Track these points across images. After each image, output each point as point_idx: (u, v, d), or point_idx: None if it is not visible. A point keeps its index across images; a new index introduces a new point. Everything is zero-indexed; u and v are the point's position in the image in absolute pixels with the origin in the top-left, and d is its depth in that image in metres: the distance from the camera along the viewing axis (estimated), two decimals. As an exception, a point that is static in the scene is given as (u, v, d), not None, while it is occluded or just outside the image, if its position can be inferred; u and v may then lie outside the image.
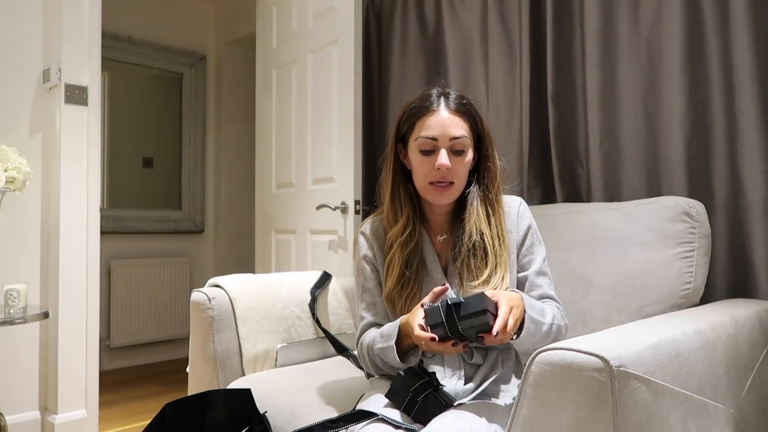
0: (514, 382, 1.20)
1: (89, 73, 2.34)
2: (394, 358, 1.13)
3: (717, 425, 1.03)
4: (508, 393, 1.17)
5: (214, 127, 4.03)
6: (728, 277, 1.53)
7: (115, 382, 3.22)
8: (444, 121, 1.17)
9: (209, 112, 4.01)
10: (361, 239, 1.31)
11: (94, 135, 2.36)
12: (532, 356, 0.87)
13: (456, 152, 1.18)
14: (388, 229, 1.26)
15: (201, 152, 3.95)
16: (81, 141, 2.31)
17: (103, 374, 3.07)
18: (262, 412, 1.32)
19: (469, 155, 1.20)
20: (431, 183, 1.18)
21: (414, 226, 1.23)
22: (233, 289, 1.64)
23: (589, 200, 1.82)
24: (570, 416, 0.81)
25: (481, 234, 1.18)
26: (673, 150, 1.63)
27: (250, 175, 3.68)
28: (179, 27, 3.88)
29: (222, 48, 3.99)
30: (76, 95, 2.29)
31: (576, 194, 1.87)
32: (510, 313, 1.01)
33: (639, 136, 1.71)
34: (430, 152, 1.18)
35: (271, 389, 1.42)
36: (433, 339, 1.00)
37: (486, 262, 1.17)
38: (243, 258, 3.95)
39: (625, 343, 0.87)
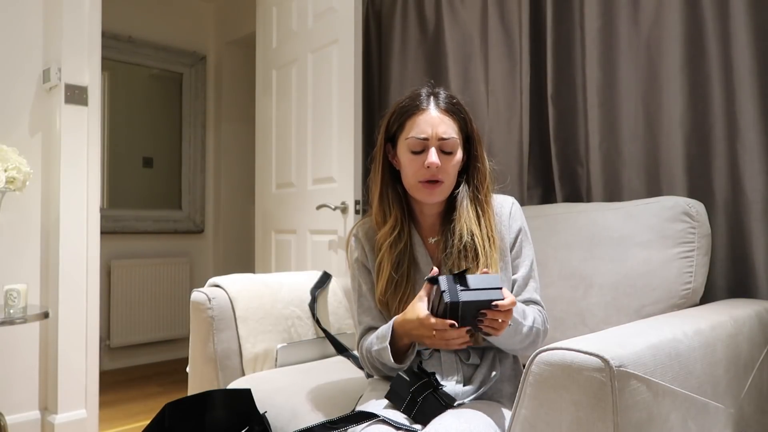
0: (513, 381, 1.20)
1: (89, 73, 2.34)
2: (389, 359, 1.12)
3: (717, 425, 1.03)
4: (507, 393, 1.17)
5: (214, 127, 4.03)
6: (728, 277, 1.53)
7: (115, 382, 3.22)
8: (434, 121, 1.16)
9: (209, 112, 4.01)
10: (353, 242, 1.30)
11: (94, 135, 2.36)
12: (532, 356, 0.87)
13: (445, 152, 1.17)
14: (377, 231, 1.25)
15: (201, 152, 3.95)
16: (81, 141, 2.31)
17: (103, 374, 3.07)
18: (261, 412, 1.32)
19: (459, 155, 1.19)
20: (421, 181, 1.17)
21: (402, 226, 1.22)
22: (233, 289, 1.64)
23: (589, 200, 1.82)
24: (570, 416, 0.81)
25: (472, 234, 1.17)
26: (673, 150, 1.63)
27: (250, 175, 3.68)
28: (179, 27, 3.88)
29: (222, 48, 3.99)
30: (76, 95, 2.29)
31: (576, 194, 1.87)
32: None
33: (639, 136, 1.71)
34: (419, 152, 1.17)
35: (271, 389, 1.42)
36: (449, 324, 1.00)
37: (477, 263, 1.16)
38: (243, 258, 3.95)
39: (625, 343, 0.87)
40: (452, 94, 1.22)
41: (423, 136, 1.16)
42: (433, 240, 1.25)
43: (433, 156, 1.14)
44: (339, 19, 2.36)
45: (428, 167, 1.15)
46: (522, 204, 1.96)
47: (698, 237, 1.41)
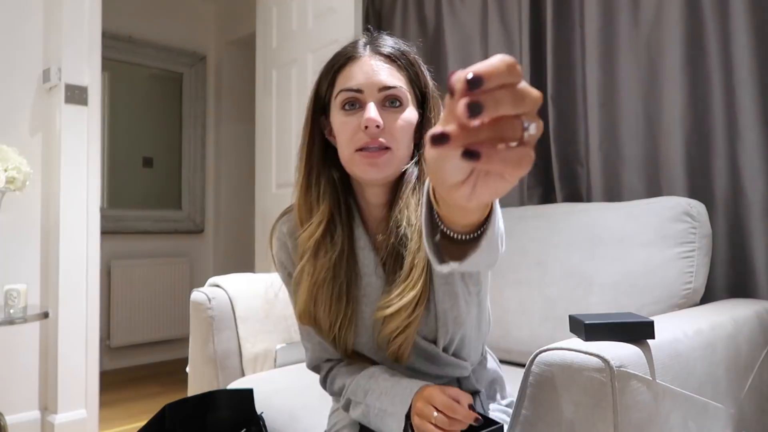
0: (499, 397, 1.05)
1: (89, 73, 2.34)
2: (390, 428, 0.85)
3: (717, 425, 1.03)
4: (499, 410, 1.03)
5: (214, 127, 4.03)
6: (728, 277, 1.53)
7: (115, 382, 3.22)
8: (370, 68, 0.88)
9: (209, 112, 4.01)
10: (276, 244, 0.99)
11: (94, 135, 2.36)
12: (532, 356, 0.87)
13: (391, 104, 0.87)
14: (299, 226, 0.94)
15: (201, 152, 3.95)
16: (81, 141, 2.31)
17: (103, 374, 3.06)
18: (259, 412, 1.32)
19: (410, 113, 0.88)
20: (358, 150, 0.86)
21: (335, 226, 0.91)
22: (233, 289, 1.64)
23: (589, 200, 1.82)
24: (570, 416, 0.81)
25: (408, 226, 0.87)
26: (673, 150, 1.63)
27: (250, 175, 3.68)
28: (179, 27, 3.88)
29: (222, 48, 3.99)
30: (76, 95, 2.29)
31: (576, 194, 1.87)
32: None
33: (639, 136, 1.71)
34: (354, 110, 0.87)
35: (271, 390, 1.42)
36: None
37: (401, 265, 0.87)
38: (243, 258, 3.94)
39: (626, 343, 0.87)
40: (402, 40, 0.94)
41: (356, 86, 0.87)
42: (381, 237, 0.92)
43: (371, 111, 0.84)
44: (339, 19, 2.36)
45: (366, 127, 0.84)
46: (522, 204, 1.96)
47: (699, 237, 1.41)
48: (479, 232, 0.58)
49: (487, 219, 0.58)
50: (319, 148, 0.94)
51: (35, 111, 2.35)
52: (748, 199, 1.49)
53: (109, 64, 3.46)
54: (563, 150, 1.89)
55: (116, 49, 3.54)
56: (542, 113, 1.95)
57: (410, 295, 0.84)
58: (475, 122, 0.38)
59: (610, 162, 1.77)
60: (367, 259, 0.92)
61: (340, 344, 0.94)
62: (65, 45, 2.28)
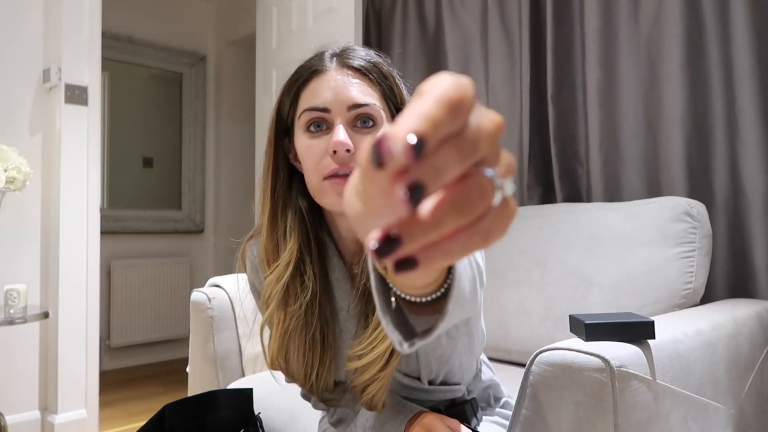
0: (492, 400, 1.02)
1: (89, 73, 2.34)
2: None
3: (717, 425, 1.03)
4: (494, 413, 1.00)
5: (214, 127, 4.03)
6: (728, 277, 1.53)
7: (115, 382, 3.22)
8: (338, 84, 0.77)
9: (209, 112, 4.01)
10: (249, 266, 0.91)
11: (94, 135, 2.36)
12: (532, 356, 0.87)
13: (363, 124, 0.77)
14: (266, 268, 0.84)
15: (201, 152, 3.95)
16: (81, 141, 2.31)
17: (103, 374, 3.07)
18: (257, 412, 1.32)
19: None
20: (327, 178, 0.76)
21: (305, 266, 0.82)
22: (233, 289, 1.63)
23: (589, 200, 1.82)
24: (570, 416, 0.81)
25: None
26: (673, 150, 1.63)
27: (250, 175, 3.68)
28: (179, 27, 3.88)
29: (222, 48, 3.99)
30: (76, 95, 2.29)
31: (576, 194, 1.87)
32: None
33: (639, 136, 1.71)
34: (320, 131, 0.77)
35: (270, 390, 1.42)
36: None
37: (374, 308, 0.77)
38: (243, 258, 3.94)
39: (626, 343, 0.87)
40: (375, 51, 0.84)
41: (322, 105, 0.76)
42: (357, 269, 0.84)
43: (340, 134, 0.74)
44: (339, 19, 2.36)
45: (335, 152, 0.74)
46: (522, 204, 1.96)
47: (699, 237, 1.41)
48: (443, 289, 0.45)
49: (450, 271, 0.44)
50: (285, 176, 0.84)
51: (35, 111, 2.35)
52: (748, 199, 1.49)
53: (109, 64, 3.46)
54: (563, 150, 1.89)
55: (116, 49, 3.54)
56: (542, 113, 1.95)
57: (382, 347, 0.75)
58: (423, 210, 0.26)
59: (610, 162, 1.77)
60: (345, 293, 0.84)
61: (318, 392, 0.87)
62: (65, 45, 2.28)
